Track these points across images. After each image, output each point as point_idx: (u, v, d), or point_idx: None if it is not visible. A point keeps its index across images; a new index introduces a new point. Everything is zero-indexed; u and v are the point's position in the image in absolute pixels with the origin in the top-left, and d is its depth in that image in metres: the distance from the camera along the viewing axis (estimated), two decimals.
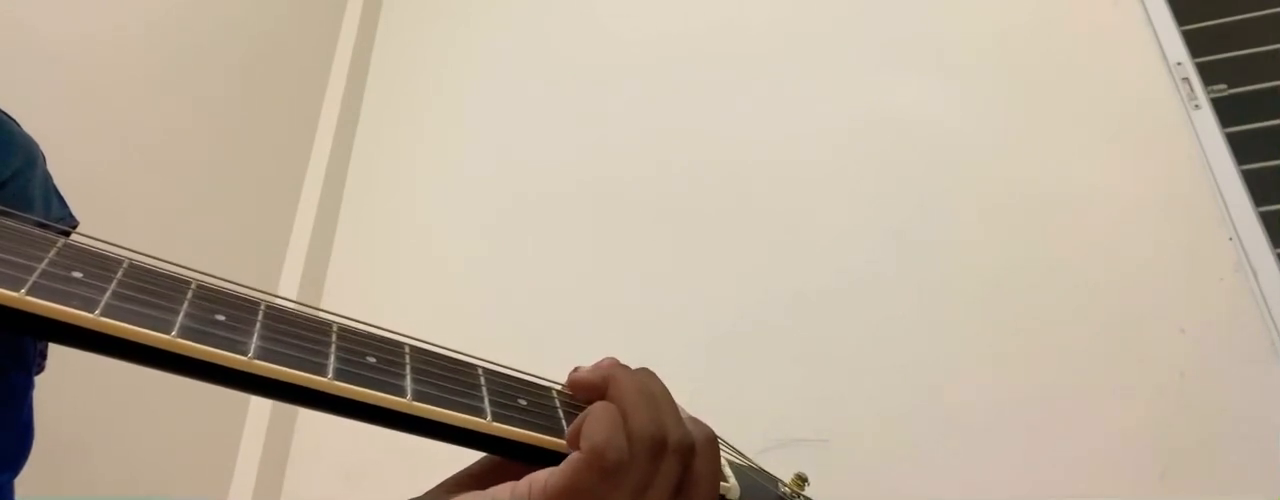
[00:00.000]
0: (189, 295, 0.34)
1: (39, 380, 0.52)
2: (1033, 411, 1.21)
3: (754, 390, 1.35)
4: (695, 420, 0.42)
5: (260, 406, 1.54)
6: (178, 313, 0.32)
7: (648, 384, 0.40)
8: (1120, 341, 1.22)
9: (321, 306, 1.66)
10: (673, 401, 0.41)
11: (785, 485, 0.52)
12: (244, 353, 0.32)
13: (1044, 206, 1.35)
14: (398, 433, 0.37)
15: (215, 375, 0.33)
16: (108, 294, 0.31)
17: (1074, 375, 1.22)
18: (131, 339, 0.31)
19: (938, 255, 1.37)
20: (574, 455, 0.36)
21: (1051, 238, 1.32)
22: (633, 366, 0.43)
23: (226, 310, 0.34)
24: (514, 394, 0.40)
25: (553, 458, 0.39)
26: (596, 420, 0.37)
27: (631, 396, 0.39)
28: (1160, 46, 1.39)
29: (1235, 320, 1.18)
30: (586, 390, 0.41)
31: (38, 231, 0.33)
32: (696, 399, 0.42)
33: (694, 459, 0.40)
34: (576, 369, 0.44)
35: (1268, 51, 1.32)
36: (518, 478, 0.39)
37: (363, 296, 1.70)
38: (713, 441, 0.42)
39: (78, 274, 0.32)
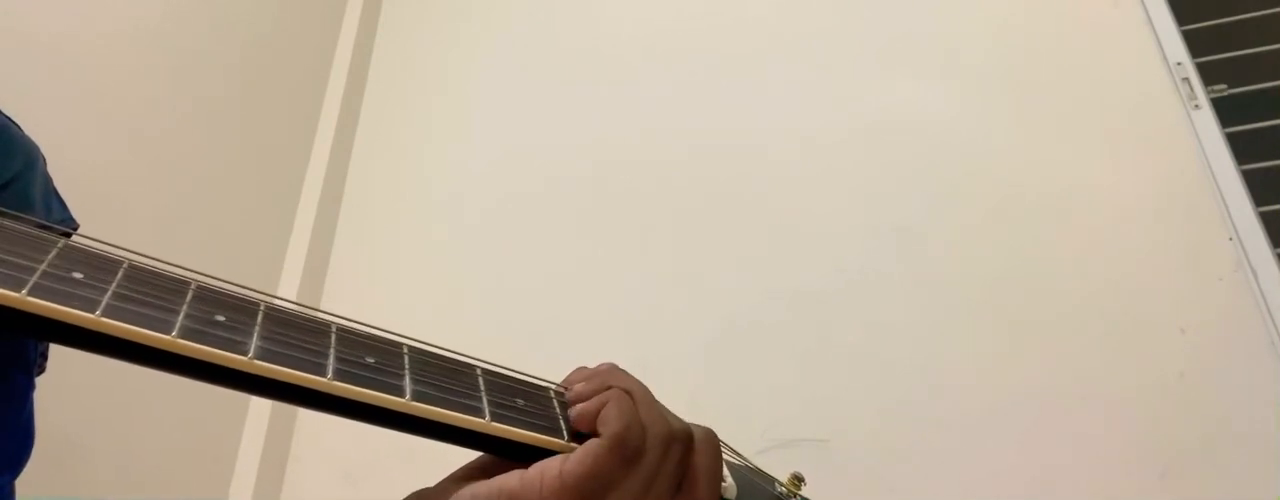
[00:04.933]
0: (189, 296, 0.34)
1: (39, 381, 0.52)
2: (1032, 411, 1.21)
3: (753, 390, 1.35)
4: (697, 426, 0.43)
5: (260, 406, 1.54)
6: (178, 313, 0.33)
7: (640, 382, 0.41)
8: (1120, 341, 1.22)
9: (321, 306, 1.66)
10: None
11: (782, 485, 0.52)
12: (244, 353, 0.33)
13: (1044, 206, 1.35)
14: (398, 433, 0.37)
15: (215, 375, 0.33)
16: (108, 295, 0.32)
17: (1074, 375, 1.22)
18: (132, 339, 0.31)
19: (937, 255, 1.37)
20: (594, 441, 0.37)
21: (1051, 237, 1.32)
22: (632, 366, 0.44)
23: (226, 311, 0.34)
24: (512, 394, 0.40)
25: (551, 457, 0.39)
26: (616, 407, 0.38)
27: (639, 390, 0.40)
28: (1160, 46, 1.39)
29: (1235, 320, 1.18)
30: (593, 387, 0.42)
31: (38, 233, 0.34)
32: (695, 398, 0.43)
33: (694, 452, 0.40)
34: (578, 370, 0.44)
35: (1268, 51, 1.32)
36: None
37: (363, 296, 1.70)
38: (713, 439, 0.42)
39: (78, 275, 0.32)
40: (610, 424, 0.37)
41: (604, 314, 1.51)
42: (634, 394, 0.40)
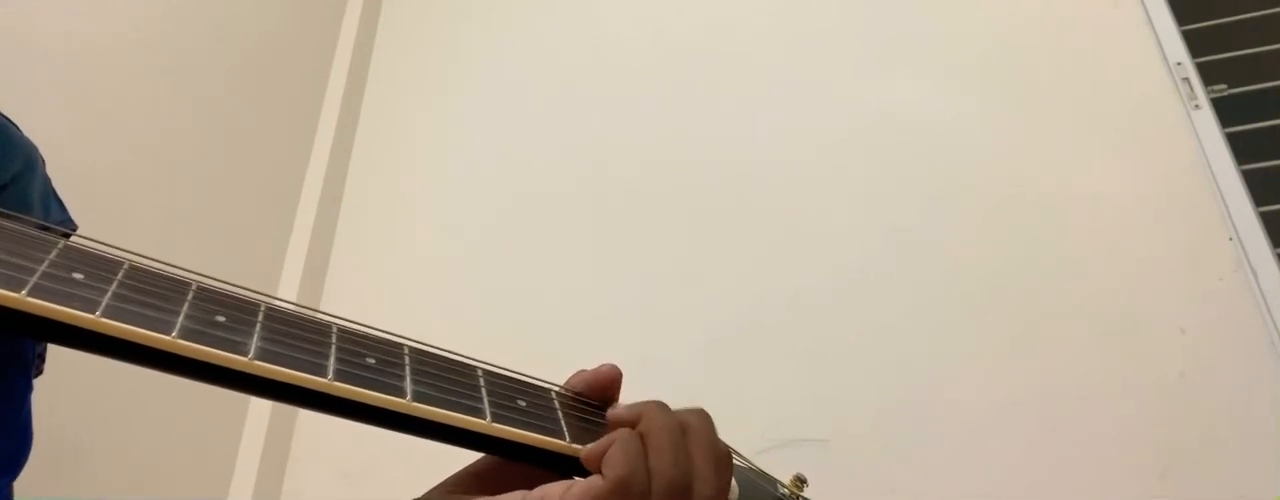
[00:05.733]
0: (189, 296, 0.34)
1: (38, 383, 0.52)
2: (1032, 411, 1.21)
3: (753, 390, 1.35)
4: (716, 444, 0.42)
5: (260, 406, 1.54)
6: (178, 314, 0.32)
7: (684, 424, 0.40)
8: (1120, 341, 1.22)
9: (321, 307, 1.66)
10: (708, 442, 0.40)
11: (784, 486, 0.52)
12: (244, 354, 0.33)
13: (1044, 206, 1.35)
14: (398, 433, 0.37)
15: (215, 376, 0.33)
16: (108, 295, 0.32)
17: (1074, 375, 1.22)
18: (132, 340, 0.31)
19: (937, 255, 1.37)
20: (596, 480, 0.37)
21: (1051, 238, 1.32)
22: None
23: (227, 311, 0.34)
24: (513, 395, 0.40)
25: (552, 458, 0.39)
26: (622, 451, 0.37)
27: (658, 435, 0.39)
28: (1160, 46, 1.39)
29: (1235, 320, 1.18)
30: (617, 423, 0.41)
31: (38, 233, 0.34)
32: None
33: None
34: (578, 373, 0.44)
35: (1268, 51, 1.32)
36: (518, 478, 0.39)
37: (363, 296, 1.70)
38: (726, 458, 0.42)
39: (78, 275, 0.32)
40: (614, 468, 0.37)
41: (604, 313, 1.51)
42: (651, 438, 0.39)
